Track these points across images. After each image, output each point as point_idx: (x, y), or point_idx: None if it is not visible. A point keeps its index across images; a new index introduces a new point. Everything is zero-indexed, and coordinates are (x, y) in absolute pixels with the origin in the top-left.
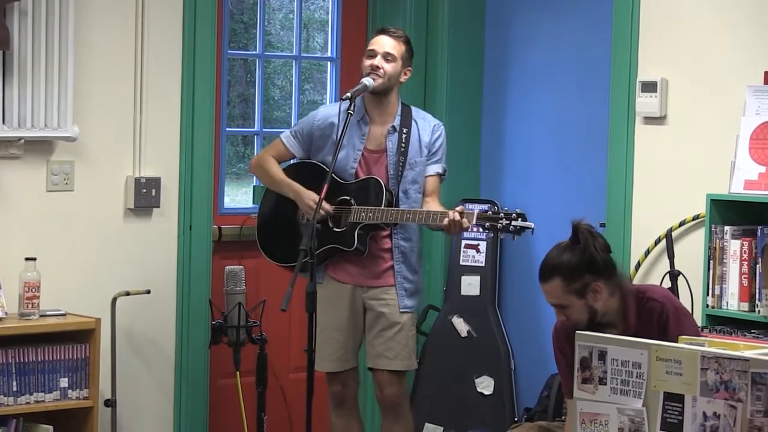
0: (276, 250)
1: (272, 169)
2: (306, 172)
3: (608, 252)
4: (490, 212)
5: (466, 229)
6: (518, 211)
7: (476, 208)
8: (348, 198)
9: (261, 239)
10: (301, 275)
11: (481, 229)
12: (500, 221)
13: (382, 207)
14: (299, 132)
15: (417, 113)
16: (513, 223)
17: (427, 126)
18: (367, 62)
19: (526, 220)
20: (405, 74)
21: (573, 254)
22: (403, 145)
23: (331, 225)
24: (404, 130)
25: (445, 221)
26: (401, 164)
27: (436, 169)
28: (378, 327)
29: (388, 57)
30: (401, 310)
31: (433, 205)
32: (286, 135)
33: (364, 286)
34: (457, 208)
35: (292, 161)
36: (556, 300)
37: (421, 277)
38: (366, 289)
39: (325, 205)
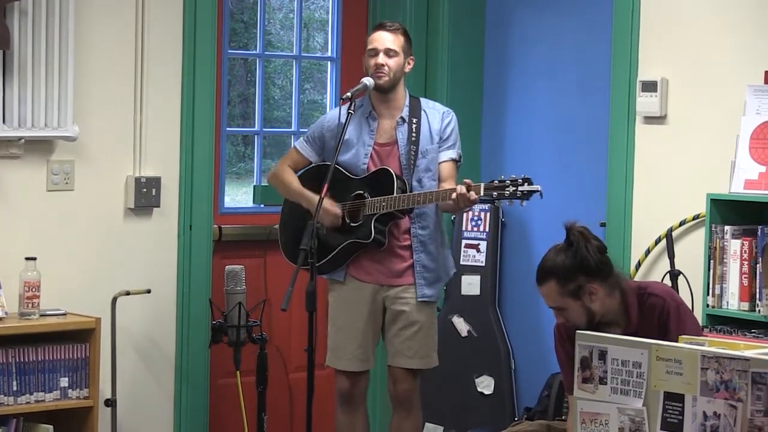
0: (296, 252)
1: (287, 179)
2: (323, 174)
3: (602, 253)
4: (496, 182)
5: (475, 202)
6: (524, 176)
7: (476, 207)
8: (362, 192)
9: (283, 242)
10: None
11: (490, 198)
12: (507, 188)
13: (395, 195)
14: (311, 137)
15: (426, 103)
16: (520, 188)
17: (436, 114)
18: (371, 61)
19: (532, 184)
20: (408, 64)
21: (566, 257)
22: (413, 135)
23: (348, 221)
24: (414, 120)
25: (453, 195)
26: (413, 154)
27: (450, 155)
28: (397, 326)
29: (389, 53)
30: (419, 299)
31: None
32: (299, 142)
33: (384, 285)
34: (465, 181)
35: (309, 166)
36: (552, 303)
37: (442, 266)
38: (386, 288)
39: (336, 209)
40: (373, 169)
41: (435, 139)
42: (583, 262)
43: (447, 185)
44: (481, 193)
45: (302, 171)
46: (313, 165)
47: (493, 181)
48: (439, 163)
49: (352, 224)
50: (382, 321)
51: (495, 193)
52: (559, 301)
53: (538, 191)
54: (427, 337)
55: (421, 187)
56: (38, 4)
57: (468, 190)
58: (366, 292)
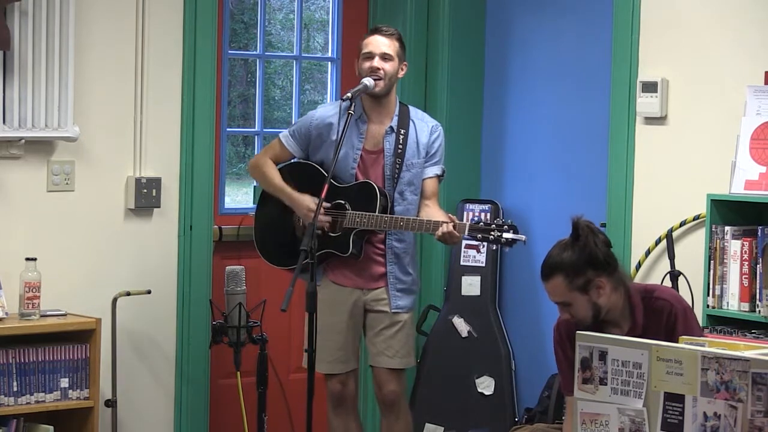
0: (273, 252)
1: (269, 173)
2: (301, 172)
3: (609, 247)
4: (482, 223)
5: (458, 240)
6: (510, 222)
7: (476, 208)
8: (343, 202)
9: (258, 241)
10: (300, 276)
11: (473, 240)
12: (492, 233)
13: (377, 213)
14: (297, 132)
15: (415, 113)
16: (504, 235)
17: (425, 127)
18: (366, 64)
19: (517, 232)
20: (402, 70)
21: (574, 251)
22: (400, 146)
23: (326, 230)
24: (402, 131)
25: (439, 233)
26: (398, 165)
27: (435, 171)
28: (378, 326)
29: (385, 57)
30: (393, 310)
31: (433, 208)
32: (284, 135)
33: (364, 288)
34: (450, 216)
35: (289, 161)
36: (559, 298)
37: (415, 278)
38: (366, 291)
39: (323, 218)
40: (360, 176)
41: (422, 153)
42: (592, 256)
43: (430, 203)
44: (465, 233)
45: (282, 165)
46: (293, 161)
47: (479, 223)
48: (424, 179)
49: (330, 234)
50: (363, 323)
51: (479, 235)
52: (566, 295)
53: (522, 240)
54: (407, 336)
55: (402, 199)
56: (38, 4)
57: (453, 228)
58: (345, 295)
